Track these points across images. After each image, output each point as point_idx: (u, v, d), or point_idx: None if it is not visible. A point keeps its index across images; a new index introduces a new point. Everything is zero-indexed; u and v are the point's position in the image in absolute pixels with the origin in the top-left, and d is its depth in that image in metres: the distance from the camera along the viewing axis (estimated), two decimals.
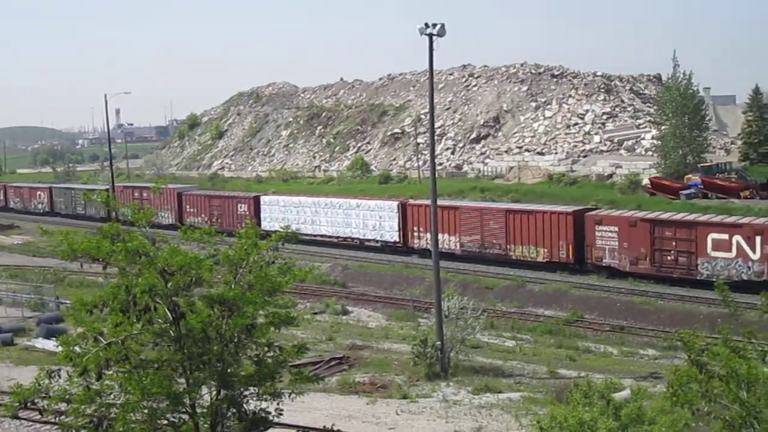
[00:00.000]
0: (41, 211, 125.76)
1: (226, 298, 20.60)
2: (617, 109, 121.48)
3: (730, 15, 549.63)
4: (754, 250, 57.33)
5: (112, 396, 20.18)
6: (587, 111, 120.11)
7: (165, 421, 20.63)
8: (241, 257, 21.59)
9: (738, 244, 58.03)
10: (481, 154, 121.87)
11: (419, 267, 71.88)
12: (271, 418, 21.76)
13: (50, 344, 43.11)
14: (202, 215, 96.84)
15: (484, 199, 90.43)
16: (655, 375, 41.61)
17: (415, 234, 77.90)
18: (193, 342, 20.28)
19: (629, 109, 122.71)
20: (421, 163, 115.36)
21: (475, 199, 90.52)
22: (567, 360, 47.18)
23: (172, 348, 20.48)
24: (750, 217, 63.77)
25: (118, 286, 20.24)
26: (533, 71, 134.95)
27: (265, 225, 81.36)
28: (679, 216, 63.85)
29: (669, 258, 61.87)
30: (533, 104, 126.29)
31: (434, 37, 42.37)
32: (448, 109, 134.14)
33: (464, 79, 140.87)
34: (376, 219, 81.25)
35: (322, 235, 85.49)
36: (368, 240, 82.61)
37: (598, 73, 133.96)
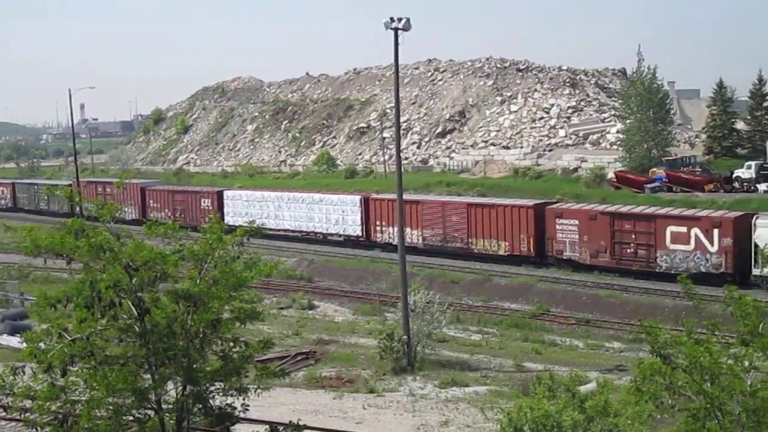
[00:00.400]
0: (4, 207, 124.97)
1: (191, 293, 20.48)
2: (582, 103, 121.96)
3: (695, 9, 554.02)
4: (712, 243, 57.81)
5: (77, 392, 20.01)
6: (552, 105, 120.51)
7: (130, 418, 20.50)
8: (206, 252, 21.46)
9: (696, 236, 58.51)
10: (447, 148, 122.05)
11: (385, 261, 71.89)
12: (237, 413, 21.66)
13: (14, 341, 42.79)
14: (166, 210, 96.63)
15: (449, 193, 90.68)
16: (621, 368, 41.93)
17: (378, 228, 78.03)
18: (159, 337, 20.15)
19: (594, 103, 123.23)
20: (387, 157, 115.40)
21: (441, 193, 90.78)
22: (533, 353, 47.40)
23: (137, 344, 20.33)
24: (709, 210, 64.21)
25: (83, 282, 20.08)
26: (499, 65, 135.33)
27: (229, 220, 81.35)
28: (638, 209, 64.37)
29: (628, 251, 62.32)
30: (499, 98, 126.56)
31: (400, 32, 42.40)
32: (413, 103, 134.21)
33: (430, 74, 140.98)
34: (338, 213, 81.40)
35: (285, 230, 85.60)
36: (331, 234, 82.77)
37: (564, 68, 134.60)
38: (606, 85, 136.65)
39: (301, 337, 51.00)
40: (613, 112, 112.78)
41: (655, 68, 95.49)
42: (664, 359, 18.12)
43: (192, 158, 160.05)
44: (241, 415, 21.84)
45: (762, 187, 78.42)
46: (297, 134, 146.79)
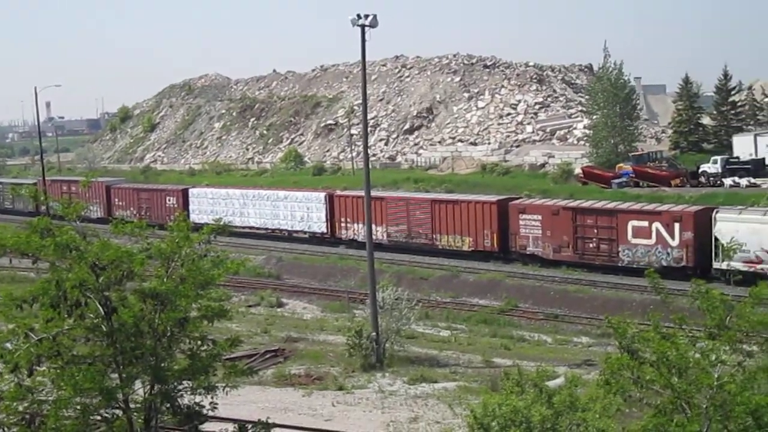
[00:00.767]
0: None
1: (158, 291, 20.40)
2: (549, 99, 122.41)
3: (661, 5, 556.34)
4: (673, 237, 58.19)
5: (44, 392, 19.91)
6: (520, 101, 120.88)
7: (98, 417, 20.41)
8: (173, 250, 21.39)
9: (657, 231, 58.88)
10: (415, 144, 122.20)
11: (353, 258, 71.88)
12: (205, 412, 21.61)
13: None
14: (131, 208, 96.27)
15: (417, 189, 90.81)
16: (589, 362, 42.03)
17: (343, 225, 78.09)
18: (126, 337, 20.06)
19: (561, 99, 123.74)
20: (354, 154, 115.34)
21: (408, 189, 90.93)
22: (502, 349, 47.49)
23: (105, 343, 20.23)
24: (671, 204, 64.67)
25: (49, 281, 19.97)
26: (466, 62, 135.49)
27: (194, 217, 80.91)
28: (600, 204, 64.78)
29: (591, 245, 62.64)
30: (466, 95, 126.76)
31: (367, 28, 42.37)
32: (381, 100, 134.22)
33: (397, 70, 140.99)
34: (303, 210, 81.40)
35: (250, 227, 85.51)
36: (296, 231, 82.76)
37: (531, 64, 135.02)
38: (573, 81, 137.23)
39: (270, 334, 50.89)
40: (579, 108, 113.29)
41: (621, 64, 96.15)
42: (631, 354, 18.23)
43: (159, 156, 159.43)
44: (210, 413, 21.79)
45: (728, 181, 79.04)
46: (264, 131, 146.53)
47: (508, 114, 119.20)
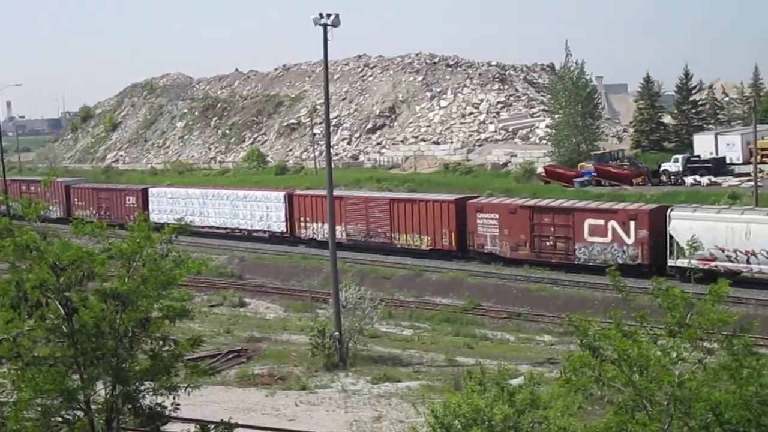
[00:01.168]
0: None
1: (119, 292, 20.32)
2: (512, 98, 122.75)
3: (622, 3, 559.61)
4: (628, 235, 58.56)
5: (4, 394, 19.82)
6: (482, 100, 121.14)
7: (59, 419, 20.32)
8: (134, 250, 21.31)
9: (613, 229, 59.24)
10: (377, 144, 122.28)
11: (316, 258, 71.73)
12: (167, 412, 21.56)
13: None
14: (91, 208, 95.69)
15: (380, 189, 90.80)
16: (552, 360, 42.23)
17: (302, 224, 77.99)
18: (87, 337, 19.97)
19: (523, 98, 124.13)
20: (317, 153, 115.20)
21: (371, 189, 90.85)
22: (465, 348, 47.60)
23: (65, 344, 20.14)
24: (626, 203, 65.15)
25: (9, 282, 19.88)
26: (428, 61, 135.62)
27: (154, 217, 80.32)
28: (556, 203, 65.07)
29: (548, 244, 62.92)
30: (428, 94, 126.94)
31: (329, 28, 42.37)
32: (343, 99, 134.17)
33: (360, 70, 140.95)
34: (263, 210, 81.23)
35: (210, 227, 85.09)
36: (256, 231, 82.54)
37: (493, 63, 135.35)
38: (535, 81, 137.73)
39: (233, 334, 50.76)
40: (542, 107, 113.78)
41: (582, 63, 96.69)
42: (592, 352, 18.30)
43: (121, 156, 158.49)
44: (172, 414, 21.74)
45: (689, 180, 79.65)
46: (227, 131, 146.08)
47: (471, 113, 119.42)
